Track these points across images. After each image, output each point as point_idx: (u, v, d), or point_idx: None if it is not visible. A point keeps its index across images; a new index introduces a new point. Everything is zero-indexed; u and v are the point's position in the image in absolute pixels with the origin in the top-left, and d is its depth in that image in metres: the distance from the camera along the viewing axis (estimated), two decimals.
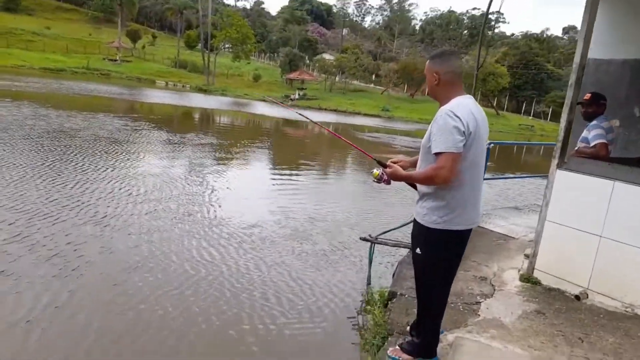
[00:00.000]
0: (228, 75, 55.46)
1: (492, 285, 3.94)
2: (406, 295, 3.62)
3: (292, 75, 51.54)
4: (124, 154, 10.11)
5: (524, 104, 52.71)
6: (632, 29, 4.36)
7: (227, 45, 52.44)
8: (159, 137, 13.44)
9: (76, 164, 8.60)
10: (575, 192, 3.75)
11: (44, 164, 8.28)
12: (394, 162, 2.58)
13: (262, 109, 33.15)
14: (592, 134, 3.99)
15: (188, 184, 8.13)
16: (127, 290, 4.09)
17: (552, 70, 55.10)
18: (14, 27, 57.21)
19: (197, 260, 4.86)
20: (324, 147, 18.10)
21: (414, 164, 2.56)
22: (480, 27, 76.23)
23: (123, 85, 36.95)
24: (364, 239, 4.77)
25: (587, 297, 3.64)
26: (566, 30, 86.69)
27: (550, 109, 49.58)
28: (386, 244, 4.77)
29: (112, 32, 65.09)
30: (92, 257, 4.65)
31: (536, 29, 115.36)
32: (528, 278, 4.02)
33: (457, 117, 2.16)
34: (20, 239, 4.83)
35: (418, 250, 2.46)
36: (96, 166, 8.60)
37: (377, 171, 2.53)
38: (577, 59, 3.74)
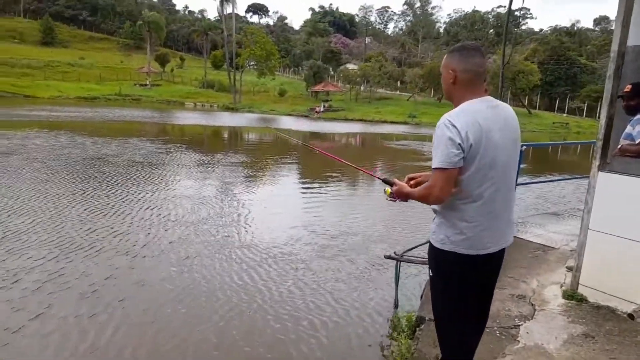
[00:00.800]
0: (254, 92, 56.22)
1: (532, 304, 3.55)
2: None
3: (317, 88, 51.66)
4: (157, 177, 10.19)
5: (557, 101, 50.82)
6: None
7: (252, 63, 53.23)
8: (190, 158, 13.55)
9: (111, 190, 8.67)
10: (621, 197, 3.34)
11: (80, 192, 8.38)
12: (412, 178, 2.30)
13: (288, 123, 33.25)
14: (637, 130, 3.57)
15: (219, 205, 8.02)
16: (168, 324, 3.91)
17: (586, 64, 53.00)
18: (51, 60, 60.06)
19: (226, 285, 4.67)
20: (349, 159, 17.77)
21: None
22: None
23: (154, 109, 38.00)
24: (389, 257, 4.47)
25: None
26: (597, 21, 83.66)
27: (586, 105, 47.64)
28: (413, 262, 4.45)
29: (141, 57, 67.41)
30: (129, 292, 4.49)
31: (565, 23, 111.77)
32: (572, 295, 3.61)
33: (454, 126, 1.86)
34: (57, 276, 4.72)
35: (430, 272, 2.16)
36: (131, 192, 8.65)
37: (388, 189, 2.26)
38: (614, 46, 3.36)
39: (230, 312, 4.13)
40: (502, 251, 2.10)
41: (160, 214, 7.21)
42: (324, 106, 44.75)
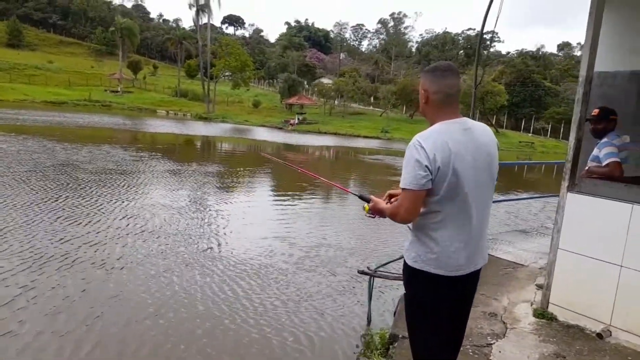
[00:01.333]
0: (228, 102, 55.89)
1: (504, 322, 3.58)
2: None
3: (292, 100, 51.83)
4: (132, 186, 9.92)
5: (523, 121, 52.59)
6: None
7: (226, 73, 53.01)
8: (165, 166, 13.29)
9: (84, 198, 8.36)
10: (590, 217, 3.43)
11: (51, 199, 8.05)
12: (392, 195, 2.27)
13: (262, 134, 33.12)
14: (603, 152, 3.69)
15: (196, 216, 7.86)
16: (149, 340, 3.73)
17: (550, 87, 55.21)
18: (17, 63, 58.23)
19: (208, 297, 4.51)
20: (323, 171, 17.85)
21: None
22: (476, 46, 77.11)
23: (125, 116, 37.21)
24: (363, 272, 4.43)
25: (611, 335, 3.27)
26: (561, 46, 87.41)
27: (550, 125, 49.44)
28: (386, 278, 4.43)
29: (114, 64, 66.11)
30: (107, 306, 4.28)
31: (531, 47, 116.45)
32: (542, 313, 3.66)
33: (422, 148, 1.84)
34: (29, 289, 4.46)
35: (404, 289, 2.14)
36: (105, 200, 8.37)
37: (367, 205, 2.23)
38: (583, 72, 3.47)
39: (211, 325, 4.00)
40: (477, 273, 2.08)
41: (136, 224, 6.99)
42: (298, 119, 44.85)
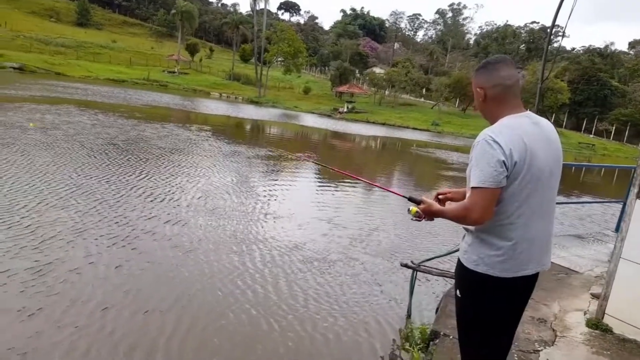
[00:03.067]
0: (279, 88, 56.44)
1: (553, 330, 3.41)
2: (451, 337, 3.17)
3: (342, 89, 51.61)
4: (201, 166, 10.36)
5: (585, 121, 49.76)
6: None
7: (279, 59, 53.47)
8: (228, 148, 13.81)
9: (163, 175, 8.89)
10: None
11: (132, 174, 8.60)
12: (441, 194, 2.21)
13: (311, 120, 33.26)
14: None
15: (242, 198, 8.03)
16: (187, 312, 3.90)
17: (617, 87, 51.77)
18: (84, 41, 61.16)
19: (237, 282, 4.63)
20: (371, 159, 17.69)
21: (464, 195, 2.14)
22: (539, 41, 73.37)
23: (181, 96, 38.52)
24: (405, 265, 4.35)
25: None
26: (632, 44, 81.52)
27: (614, 127, 46.52)
28: (430, 273, 4.33)
29: (172, 45, 68.27)
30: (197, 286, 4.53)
31: (599, 43, 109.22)
32: (597, 324, 3.45)
33: (497, 143, 1.75)
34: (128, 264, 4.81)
35: (458, 293, 2.03)
36: (181, 178, 8.90)
37: (414, 208, 2.11)
38: None
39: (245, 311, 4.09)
40: (537, 274, 1.98)
41: (207, 202, 7.23)
42: (347, 107, 44.63)
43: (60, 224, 5.48)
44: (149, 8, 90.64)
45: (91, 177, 7.89)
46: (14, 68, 39.22)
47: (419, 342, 3.38)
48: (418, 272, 4.32)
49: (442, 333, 3.25)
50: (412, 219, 2.14)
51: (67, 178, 7.63)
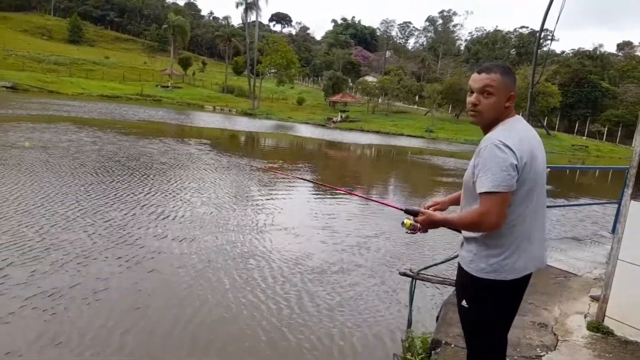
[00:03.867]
0: (273, 99, 56.63)
1: (555, 334, 3.40)
2: (452, 345, 3.16)
3: (335, 98, 51.82)
4: (206, 180, 10.47)
5: (577, 124, 50.09)
6: None
7: (272, 70, 53.71)
8: (228, 161, 13.93)
9: (170, 192, 8.87)
10: None
11: (139, 192, 8.60)
12: (430, 206, 2.20)
13: (305, 131, 33.34)
14: None
15: (244, 211, 8.06)
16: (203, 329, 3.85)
17: (607, 88, 52.22)
18: (77, 58, 61.35)
19: (241, 290, 4.60)
20: (366, 169, 17.71)
21: (455, 201, 2.17)
22: (529, 45, 74.10)
23: (176, 110, 38.71)
24: (404, 274, 4.33)
25: None
26: (621, 46, 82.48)
27: (606, 129, 46.86)
28: (429, 281, 4.31)
29: (165, 60, 68.48)
30: (153, 289, 4.48)
31: (588, 46, 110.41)
32: (597, 327, 3.44)
33: (507, 146, 1.76)
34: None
35: (464, 303, 2.01)
36: (188, 193, 8.95)
37: (408, 220, 2.08)
38: None
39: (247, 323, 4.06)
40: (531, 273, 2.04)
41: (212, 216, 7.20)
42: (340, 116, 44.78)
43: (70, 246, 5.39)
44: (140, 23, 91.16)
45: (97, 196, 7.85)
46: (7, 87, 39.18)
47: (420, 352, 3.36)
48: (417, 281, 4.31)
49: (443, 342, 3.23)
50: (406, 232, 2.11)
51: (73, 198, 7.56)
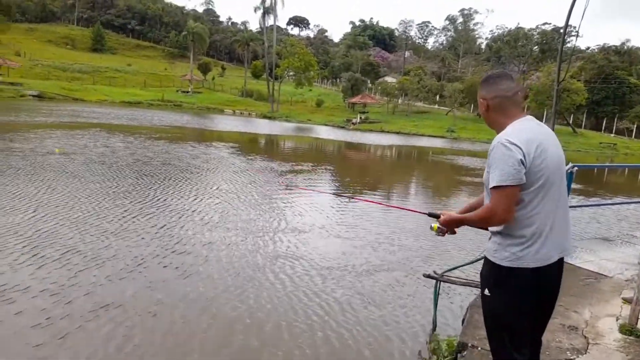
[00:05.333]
0: (292, 102, 56.89)
1: (585, 337, 3.29)
2: (479, 348, 3.09)
3: (354, 100, 51.70)
4: (229, 182, 10.67)
5: (604, 121, 48.75)
6: None
7: (290, 73, 53.97)
8: (250, 164, 14.10)
9: (213, 196, 9.03)
10: None
11: (177, 194, 8.81)
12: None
13: (325, 133, 33.37)
14: None
15: (264, 213, 8.10)
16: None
17: (636, 84, 50.69)
18: (99, 66, 62.89)
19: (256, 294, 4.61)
20: (389, 169, 17.59)
21: (475, 206, 2.27)
22: (552, 42, 72.53)
23: (198, 115, 39.34)
24: (428, 276, 4.27)
25: None
26: None
27: (635, 125, 45.50)
28: (454, 283, 4.24)
29: (185, 66, 69.60)
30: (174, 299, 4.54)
31: (614, 41, 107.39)
32: (631, 330, 3.32)
33: (513, 144, 1.92)
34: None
35: (487, 292, 2.11)
36: (225, 196, 9.07)
37: (435, 224, 2.26)
38: None
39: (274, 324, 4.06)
40: (562, 262, 2.11)
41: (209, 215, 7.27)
42: (360, 118, 44.67)
43: (122, 254, 5.38)
44: (160, 31, 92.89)
45: (143, 203, 7.96)
46: (33, 95, 40.38)
47: (446, 355, 3.30)
48: (442, 283, 4.24)
49: (470, 345, 3.16)
50: (436, 235, 2.28)
51: (121, 205, 7.66)
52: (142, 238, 6.06)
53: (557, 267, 2.08)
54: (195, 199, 8.63)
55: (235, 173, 12.11)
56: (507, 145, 1.92)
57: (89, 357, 3.40)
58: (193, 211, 7.69)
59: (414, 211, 2.76)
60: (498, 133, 2.07)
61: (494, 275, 2.05)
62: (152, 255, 5.44)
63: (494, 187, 1.92)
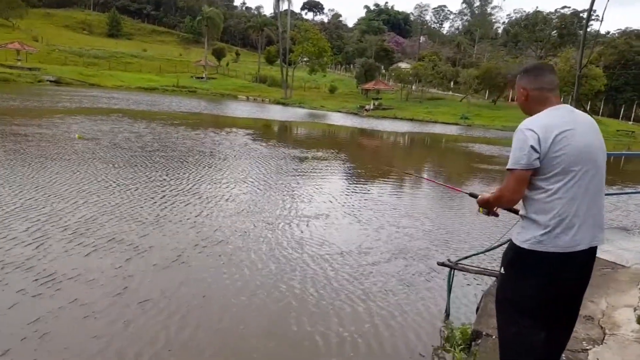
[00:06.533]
0: (305, 88, 56.65)
1: (602, 327, 3.28)
2: (493, 337, 3.09)
3: (368, 86, 51.30)
4: (258, 168, 10.83)
5: (623, 108, 47.65)
6: None
7: (304, 59, 53.65)
8: (275, 150, 14.18)
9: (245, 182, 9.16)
10: None
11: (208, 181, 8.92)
12: None
13: (338, 119, 33.24)
14: None
15: (293, 199, 8.17)
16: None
17: None
18: (115, 51, 63.22)
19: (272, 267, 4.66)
20: (403, 156, 17.50)
21: None
22: (571, 26, 70.71)
23: (214, 101, 39.51)
24: (442, 264, 4.28)
25: None
26: None
27: None
28: (468, 271, 4.23)
29: (199, 51, 69.56)
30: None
31: (636, 25, 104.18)
32: None
33: (530, 129, 2.00)
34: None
35: (502, 270, 2.20)
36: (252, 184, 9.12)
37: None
38: None
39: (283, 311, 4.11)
40: (593, 253, 2.11)
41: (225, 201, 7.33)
42: (373, 104, 44.35)
43: (163, 244, 5.37)
44: (175, 16, 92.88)
45: (177, 190, 7.98)
46: (51, 81, 40.86)
47: (460, 343, 3.32)
48: (455, 271, 4.24)
49: (484, 333, 3.17)
50: (482, 214, 2.42)
51: (156, 192, 7.68)
52: (181, 226, 6.04)
53: (586, 257, 2.08)
54: (227, 186, 8.66)
55: (259, 159, 12.23)
56: (523, 130, 2.00)
57: (147, 345, 3.37)
58: (227, 199, 7.66)
59: (459, 190, 3.08)
60: None
61: (513, 256, 2.13)
62: (192, 245, 5.42)
63: (508, 170, 2.04)
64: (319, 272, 4.96)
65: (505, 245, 2.30)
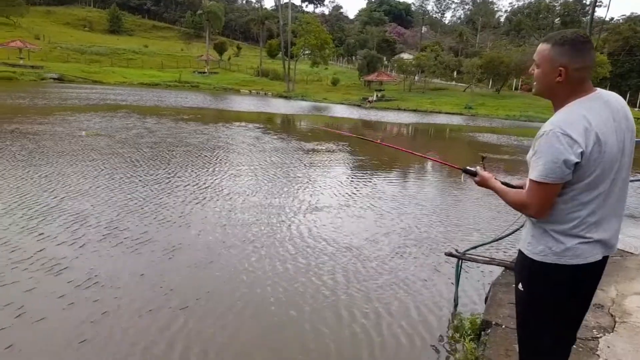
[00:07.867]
0: (307, 81, 56.46)
1: (612, 315, 3.28)
2: (503, 326, 3.11)
3: (370, 77, 51.05)
4: (277, 162, 10.88)
5: (628, 94, 47.20)
6: None
7: (306, 52, 53.42)
8: (297, 145, 14.20)
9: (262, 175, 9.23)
10: None
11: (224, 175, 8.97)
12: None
13: (341, 112, 33.14)
14: None
15: (314, 192, 8.24)
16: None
17: None
18: (117, 48, 63.16)
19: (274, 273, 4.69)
20: (409, 146, 17.37)
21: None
22: (575, 13, 70.03)
23: (216, 96, 39.49)
24: (450, 254, 4.27)
25: None
26: None
27: None
28: (476, 261, 4.23)
29: (201, 46, 69.46)
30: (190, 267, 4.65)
31: None
32: None
33: (567, 135, 1.66)
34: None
35: (520, 287, 1.95)
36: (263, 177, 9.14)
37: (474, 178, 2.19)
38: None
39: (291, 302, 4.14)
40: (606, 260, 1.92)
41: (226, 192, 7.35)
42: (376, 96, 44.16)
43: (192, 243, 5.38)
44: (176, 11, 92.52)
45: (198, 186, 7.96)
46: (54, 78, 40.92)
47: (469, 333, 3.33)
48: (463, 261, 4.24)
49: (493, 323, 3.18)
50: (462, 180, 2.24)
51: (178, 189, 7.70)
52: (207, 225, 6.02)
53: (600, 266, 1.89)
54: (247, 180, 8.73)
55: (274, 152, 12.32)
56: (559, 137, 1.66)
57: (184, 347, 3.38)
58: (247, 194, 7.66)
59: (450, 165, 2.53)
60: (555, 106, 1.81)
61: (527, 270, 1.90)
62: (223, 244, 5.41)
63: (533, 180, 1.74)
64: (341, 264, 4.98)
65: (512, 236, 2.18)
